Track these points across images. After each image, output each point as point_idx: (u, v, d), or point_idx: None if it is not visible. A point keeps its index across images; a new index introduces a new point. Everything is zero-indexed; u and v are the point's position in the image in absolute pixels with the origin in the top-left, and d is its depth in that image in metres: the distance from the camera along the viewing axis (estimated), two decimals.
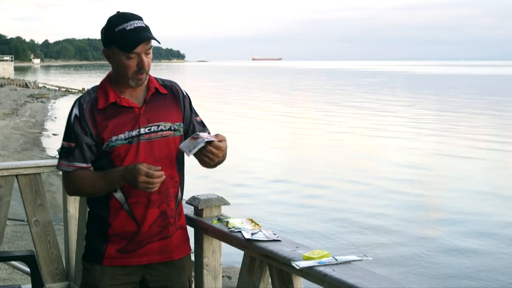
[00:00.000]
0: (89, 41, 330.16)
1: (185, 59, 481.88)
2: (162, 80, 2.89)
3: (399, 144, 23.63)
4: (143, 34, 2.64)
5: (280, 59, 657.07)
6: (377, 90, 65.49)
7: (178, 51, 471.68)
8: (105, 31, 2.70)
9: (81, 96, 2.78)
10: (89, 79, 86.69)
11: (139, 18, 2.69)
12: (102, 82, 2.81)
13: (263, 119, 32.82)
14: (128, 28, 2.63)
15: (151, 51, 2.70)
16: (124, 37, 2.63)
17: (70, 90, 60.70)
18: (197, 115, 2.93)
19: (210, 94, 55.66)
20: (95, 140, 2.70)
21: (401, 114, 36.20)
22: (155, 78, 2.86)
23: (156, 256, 2.78)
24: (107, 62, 2.74)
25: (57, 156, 2.85)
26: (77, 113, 2.72)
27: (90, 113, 2.71)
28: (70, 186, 2.81)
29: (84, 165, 2.73)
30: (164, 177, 2.59)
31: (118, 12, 2.72)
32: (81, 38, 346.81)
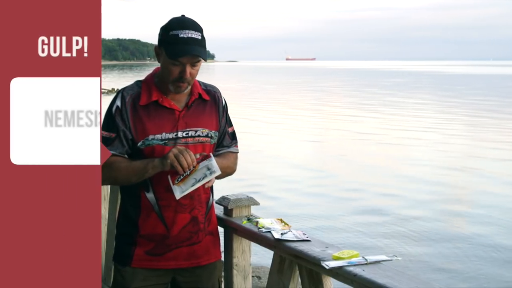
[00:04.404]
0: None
1: (214, 59, 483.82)
2: (205, 85, 2.89)
3: (428, 145, 23.38)
4: (193, 47, 2.61)
5: (314, 59, 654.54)
6: (406, 90, 64.92)
7: (208, 51, 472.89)
8: (161, 30, 2.70)
9: (124, 88, 2.79)
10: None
11: (197, 29, 2.65)
12: (147, 78, 2.81)
13: (293, 118, 32.73)
14: (181, 35, 2.61)
15: (199, 63, 2.68)
16: (173, 43, 2.61)
17: None
18: (230, 125, 2.93)
19: (240, 94, 55.68)
20: (132, 134, 2.71)
21: (431, 114, 35.83)
22: (198, 82, 2.85)
23: (183, 262, 2.78)
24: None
25: None
26: (119, 104, 2.72)
27: (132, 107, 2.71)
28: (104, 172, 2.68)
29: (122, 154, 2.73)
30: (195, 163, 2.58)
31: (181, 16, 2.70)
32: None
